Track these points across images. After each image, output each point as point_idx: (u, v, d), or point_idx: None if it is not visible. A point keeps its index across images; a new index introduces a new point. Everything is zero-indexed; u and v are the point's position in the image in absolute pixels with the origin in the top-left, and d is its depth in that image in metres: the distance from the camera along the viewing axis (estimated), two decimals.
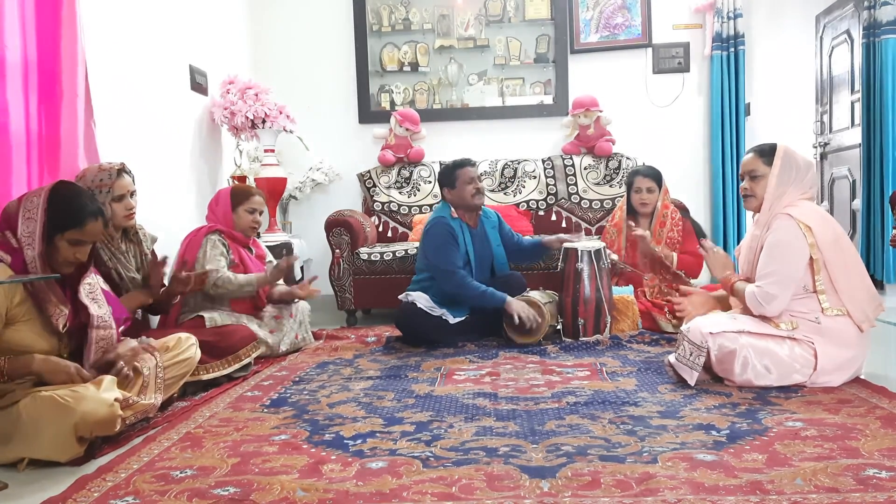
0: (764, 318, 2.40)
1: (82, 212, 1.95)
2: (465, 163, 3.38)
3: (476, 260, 3.33)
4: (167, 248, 2.92)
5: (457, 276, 3.20)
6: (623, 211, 3.66)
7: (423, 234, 3.36)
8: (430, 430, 2.01)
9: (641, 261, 3.51)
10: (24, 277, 1.88)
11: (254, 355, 2.86)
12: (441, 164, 4.64)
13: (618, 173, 4.55)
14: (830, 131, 4.50)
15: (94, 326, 2.01)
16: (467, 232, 3.33)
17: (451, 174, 3.35)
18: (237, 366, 2.74)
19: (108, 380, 1.96)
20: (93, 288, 2.06)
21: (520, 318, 3.09)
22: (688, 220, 3.69)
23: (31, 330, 1.91)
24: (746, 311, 2.45)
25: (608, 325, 3.22)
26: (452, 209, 3.33)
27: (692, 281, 3.51)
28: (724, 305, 2.68)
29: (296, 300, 3.27)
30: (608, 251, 3.43)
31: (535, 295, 3.24)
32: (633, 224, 3.53)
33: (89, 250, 2.03)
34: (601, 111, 4.61)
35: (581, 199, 4.55)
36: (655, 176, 3.57)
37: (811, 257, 2.34)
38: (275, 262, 3.40)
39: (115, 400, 1.89)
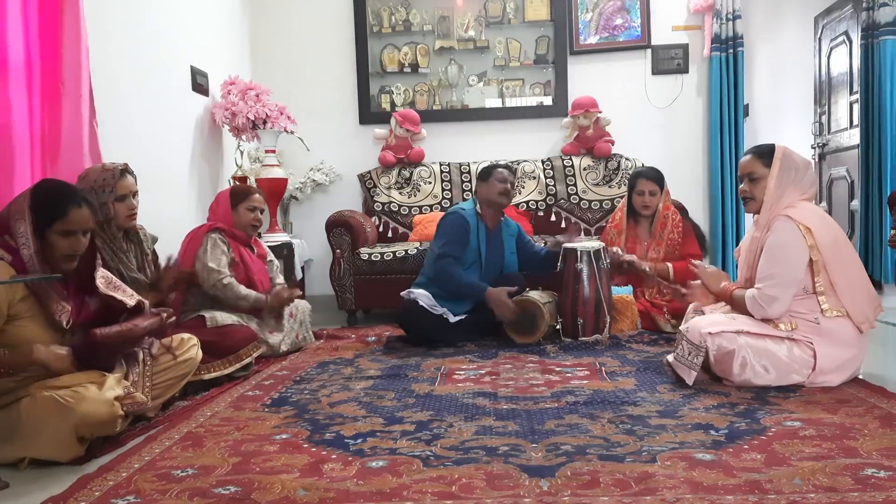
0: (763, 319, 2.40)
1: (63, 201, 1.96)
2: (508, 166, 3.49)
3: (486, 261, 3.34)
4: (167, 247, 2.92)
5: (444, 260, 3.23)
6: (623, 212, 3.66)
7: (439, 222, 3.40)
8: (431, 429, 2.02)
9: (640, 276, 3.48)
10: (25, 277, 1.89)
11: (255, 355, 2.87)
12: (440, 164, 4.68)
13: (617, 174, 4.56)
14: (829, 132, 4.50)
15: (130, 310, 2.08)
16: (483, 231, 3.36)
17: (490, 170, 3.42)
18: (238, 366, 2.75)
19: (112, 379, 1.97)
20: (109, 279, 2.09)
21: (509, 313, 3.14)
22: (687, 221, 3.70)
23: (35, 326, 1.92)
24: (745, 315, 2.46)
25: (607, 325, 3.22)
26: (477, 205, 3.38)
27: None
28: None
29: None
30: (614, 248, 3.44)
31: (534, 295, 3.25)
32: (617, 250, 3.46)
33: (87, 241, 2.02)
34: (600, 112, 4.62)
35: (580, 199, 4.56)
36: (658, 179, 3.56)
37: (811, 259, 2.34)
38: (275, 261, 3.42)
39: (116, 398, 1.90)
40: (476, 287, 3.21)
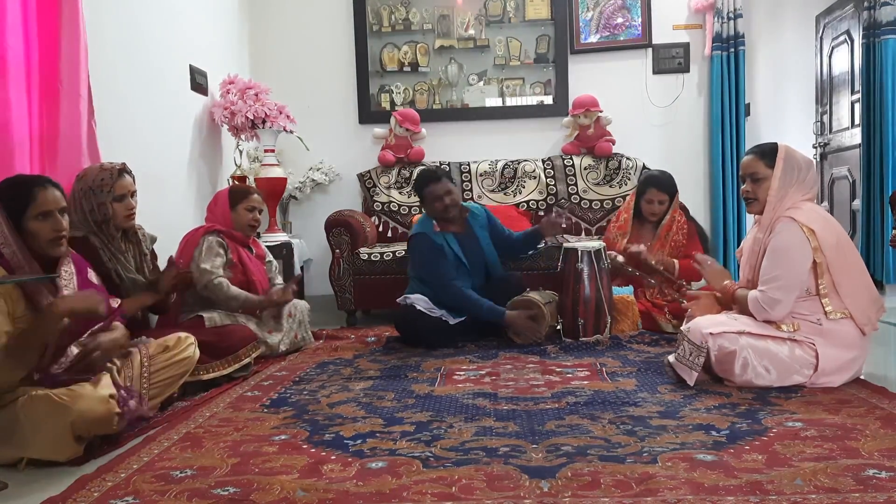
0: (765, 320, 2.39)
1: (29, 186, 1.96)
2: (431, 179, 3.31)
3: (470, 264, 3.31)
4: (167, 248, 2.92)
5: (453, 289, 3.20)
6: (630, 214, 3.63)
7: (408, 244, 3.37)
8: (430, 430, 2.01)
9: (644, 268, 3.48)
10: (23, 277, 1.88)
11: (254, 355, 2.86)
12: (440, 164, 4.66)
13: (618, 173, 4.55)
14: (830, 132, 4.49)
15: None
16: (453, 240, 3.31)
17: (420, 192, 3.34)
18: (237, 366, 2.74)
19: (107, 377, 1.96)
20: (68, 277, 2.05)
21: (522, 332, 3.14)
22: (689, 220, 3.68)
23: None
24: (747, 314, 2.45)
25: (608, 326, 3.21)
26: (434, 223, 3.33)
27: (694, 284, 3.48)
28: (727, 305, 2.66)
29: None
30: (613, 252, 3.43)
31: (534, 295, 3.24)
32: (629, 244, 3.48)
33: (66, 221, 2.01)
34: (601, 111, 4.61)
35: (581, 199, 4.55)
36: (670, 189, 3.52)
37: (815, 261, 2.33)
38: (274, 262, 3.41)
39: (111, 396, 1.89)
40: (495, 311, 3.17)
